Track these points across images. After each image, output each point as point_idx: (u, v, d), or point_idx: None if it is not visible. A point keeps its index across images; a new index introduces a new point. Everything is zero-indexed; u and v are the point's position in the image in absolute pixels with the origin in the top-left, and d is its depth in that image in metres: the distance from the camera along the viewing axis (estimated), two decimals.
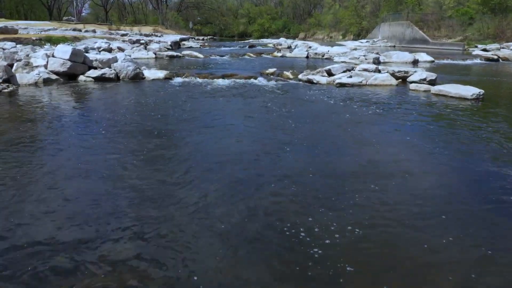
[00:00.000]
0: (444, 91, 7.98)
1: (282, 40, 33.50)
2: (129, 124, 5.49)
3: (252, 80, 10.33)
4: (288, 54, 19.07)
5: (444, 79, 10.40)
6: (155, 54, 17.54)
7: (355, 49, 19.91)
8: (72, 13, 66.75)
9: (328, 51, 18.45)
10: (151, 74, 10.45)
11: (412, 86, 8.95)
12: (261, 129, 5.38)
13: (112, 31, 27.16)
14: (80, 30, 23.86)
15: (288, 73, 11.07)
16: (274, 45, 28.93)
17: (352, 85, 9.46)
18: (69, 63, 9.66)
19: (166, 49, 18.81)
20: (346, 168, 3.88)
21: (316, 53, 18.25)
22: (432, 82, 9.49)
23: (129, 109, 6.55)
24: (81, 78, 9.86)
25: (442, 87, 8.14)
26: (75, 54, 9.75)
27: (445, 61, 17.71)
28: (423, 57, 17.04)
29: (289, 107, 6.82)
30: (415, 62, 16.22)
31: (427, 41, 29.70)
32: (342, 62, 15.22)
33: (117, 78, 10.03)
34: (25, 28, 20.25)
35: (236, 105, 7.01)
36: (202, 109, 6.59)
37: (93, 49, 15.72)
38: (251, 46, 27.77)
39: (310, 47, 22.53)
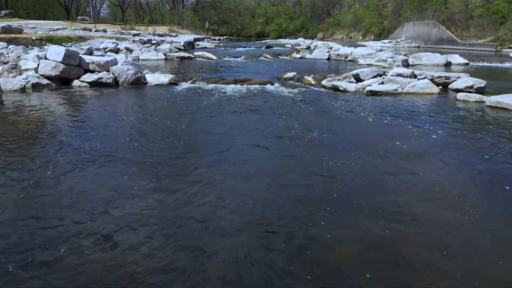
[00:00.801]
0: (504, 104, 6.46)
1: (300, 40, 32.05)
2: (111, 154, 4.21)
3: (268, 86, 8.98)
4: (307, 56, 17.64)
5: (493, 86, 8.85)
6: (165, 55, 16.37)
7: (381, 50, 18.34)
8: (89, 13, 66.77)
9: (352, 52, 16.94)
10: (154, 79, 9.21)
11: (460, 96, 7.44)
12: (280, 165, 3.89)
13: (124, 31, 26.22)
14: (90, 30, 22.90)
15: (309, 78, 9.69)
16: (292, 45, 27.49)
17: (386, 93, 8.01)
18: (62, 66, 8.50)
19: (177, 50, 17.64)
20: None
21: (338, 55, 16.77)
22: (481, 90, 7.97)
23: (116, 131, 5.28)
24: (76, 83, 8.69)
25: (500, 98, 6.61)
26: (68, 56, 8.58)
27: (481, 64, 15.98)
28: (456, 59, 15.37)
29: (314, 125, 5.43)
30: (447, 65, 14.60)
31: (455, 41, 27.79)
32: (369, 65, 13.76)
33: (115, 83, 8.82)
34: (34, 28, 19.39)
35: (248, 125, 5.45)
36: (204, 130, 5.25)
37: (98, 49, 14.63)
38: (268, 46, 26.42)
39: (331, 48, 21.05)
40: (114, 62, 9.24)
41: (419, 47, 30.89)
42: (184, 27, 47.80)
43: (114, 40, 17.55)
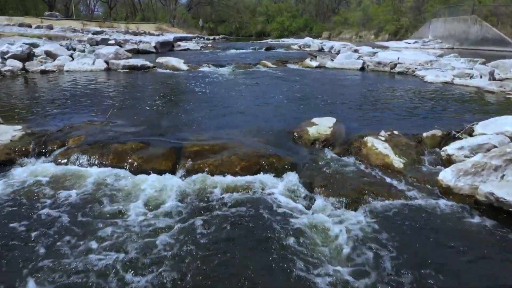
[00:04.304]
0: None
1: (308, 40, 25.59)
2: None
3: (260, 193, 2.64)
4: (328, 64, 11.24)
5: None
6: (107, 63, 10.03)
7: (440, 55, 11.96)
8: (81, 11, 60.72)
9: (398, 58, 10.55)
10: None
11: None
12: None
13: (82, 28, 19.77)
14: (30, 26, 16.70)
15: (396, 159, 3.32)
16: (300, 47, 21.04)
17: None
18: None
19: (131, 55, 11.17)
20: None
21: (378, 63, 10.37)
22: None
23: None
24: None
25: None
26: None
27: None
28: None
29: None
30: None
31: (506, 41, 21.33)
32: (445, 83, 7.45)
33: None
34: None
35: None
36: None
37: None
38: (269, 48, 19.97)
39: (355, 51, 14.65)
40: None
41: (452, 48, 24.43)
42: (175, 25, 41.32)
43: (35, 40, 11.19)
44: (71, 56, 10.57)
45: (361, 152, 3.49)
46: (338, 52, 16.55)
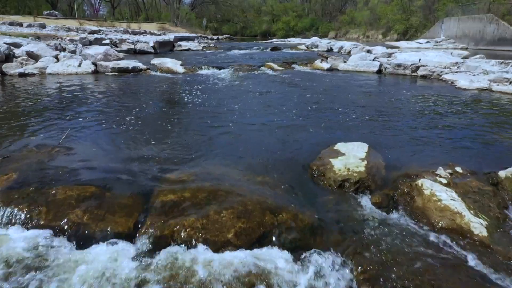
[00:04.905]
0: None
1: (315, 39, 24.37)
2: None
3: None
4: (341, 66, 10.09)
5: None
6: (95, 65, 8.95)
7: (466, 57, 10.76)
8: (85, 11, 60.12)
9: (420, 60, 9.37)
10: None
11: None
12: None
13: (76, 27, 18.72)
14: (21, 25, 15.70)
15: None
16: (307, 47, 19.86)
17: None
18: None
19: (120, 57, 10.04)
20: None
21: (398, 66, 9.20)
22: None
23: None
24: None
25: None
26: None
27: None
28: None
29: None
30: None
31: None
32: (482, 90, 6.29)
33: None
34: None
35: None
36: None
37: None
38: (275, 48, 18.81)
39: (369, 51, 13.48)
40: None
41: (466, 48, 23.15)
42: (178, 25, 40.25)
43: (18, 40, 10.11)
44: (56, 57, 9.50)
45: (415, 203, 2.35)
46: (349, 53, 15.40)
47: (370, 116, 4.64)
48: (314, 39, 23.92)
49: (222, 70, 9.42)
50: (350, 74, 9.35)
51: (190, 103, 5.40)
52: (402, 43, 26.21)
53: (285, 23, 61.61)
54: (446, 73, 8.08)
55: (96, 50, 9.39)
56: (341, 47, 16.69)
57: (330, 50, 18.18)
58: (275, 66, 10.12)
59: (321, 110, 4.96)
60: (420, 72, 8.67)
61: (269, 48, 18.65)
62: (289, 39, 34.06)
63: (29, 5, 54.93)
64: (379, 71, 9.48)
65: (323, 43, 20.40)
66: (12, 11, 45.63)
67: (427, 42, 25.75)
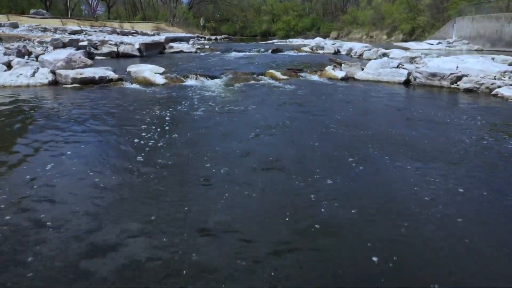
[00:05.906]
0: None
1: (320, 40, 22.45)
2: None
3: None
4: (359, 75, 8.21)
5: None
6: (54, 73, 7.08)
7: (507, 63, 8.90)
8: (83, 11, 58.41)
9: (457, 67, 7.49)
10: None
11: None
12: None
13: (54, 27, 16.78)
14: (1, 25, 13.87)
15: None
16: (312, 49, 17.93)
17: None
18: None
19: (86, 64, 8.08)
20: None
21: (433, 75, 7.32)
22: None
23: None
24: None
25: None
26: None
27: None
28: None
29: None
30: None
31: None
32: None
33: None
34: None
35: None
36: None
37: None
38: (276, 50, 16.89)
39: (384, 54, 11.60)
40: None
41: (482, 50, 21.31)
42: (175, 25, 38.33)
43: None
44: (7, 64, 7.63)
45: None
46: (360, 56, 13.55)
47: (424, 167, 2.78)
48: (318, 40, 22.04)
49: (213, 81, 7.54)
50: (370, 85, 7.48)
51: (153, 149, 3.53)
52: (412, 44, 24.33)
53: (285, 23, 59.71)
54: (500, 87, 6.21)
55: (56, 56, 7.52)
56: (351, 49, 14.81)
57: (337, 52, 16.31)
58: (278, 74, 8.25)
59: (347, 148, 3.09)
60: (463, 85, 6.80)
61: (270, 50, 16.75)
62: (290, 40, 32.12)
63: (21, 4, 53.03)
64: (406, 82, 7.62)
65: (328, 45, 18.50)
66: (3, 10, 43.77)
67: (438, 43, 23.89)
